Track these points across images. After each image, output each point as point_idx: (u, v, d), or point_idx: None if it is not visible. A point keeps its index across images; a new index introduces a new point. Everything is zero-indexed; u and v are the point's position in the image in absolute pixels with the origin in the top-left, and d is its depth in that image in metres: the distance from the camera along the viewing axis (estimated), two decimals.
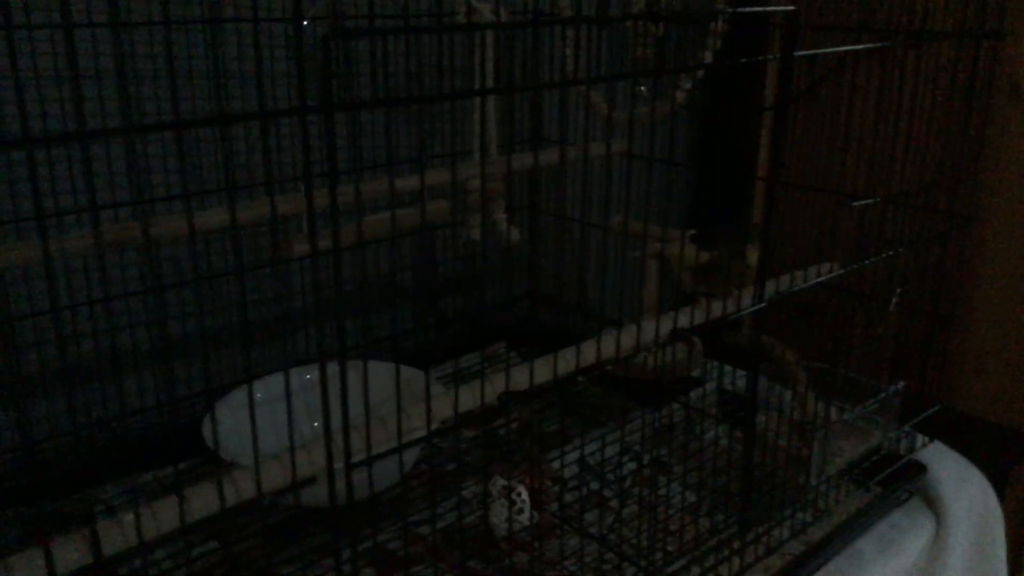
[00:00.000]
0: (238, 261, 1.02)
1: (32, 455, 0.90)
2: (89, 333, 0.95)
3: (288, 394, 0.56)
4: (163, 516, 0.51)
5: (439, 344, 1.30)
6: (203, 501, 0.53)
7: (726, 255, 0.86)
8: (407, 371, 0.92)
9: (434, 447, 1.02)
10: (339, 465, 0.57)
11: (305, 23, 0.91)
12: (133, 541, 0.50)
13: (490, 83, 1.01)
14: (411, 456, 0.87)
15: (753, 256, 0.83)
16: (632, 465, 1.00)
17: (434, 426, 0.63)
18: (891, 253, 0.92)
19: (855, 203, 0.85)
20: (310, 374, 0.97)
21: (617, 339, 0.73)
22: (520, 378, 0.66)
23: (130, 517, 0.50)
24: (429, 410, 0.61)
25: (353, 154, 1.06)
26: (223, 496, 0.53)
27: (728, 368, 1.18)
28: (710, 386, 1.17)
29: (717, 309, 0.79)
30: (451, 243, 1.30)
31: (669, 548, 0.85)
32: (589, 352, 0.71)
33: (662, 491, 0.95)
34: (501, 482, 0.78)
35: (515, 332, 1.31)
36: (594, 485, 0.97)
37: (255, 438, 0.54)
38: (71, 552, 0.48)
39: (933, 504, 1.03)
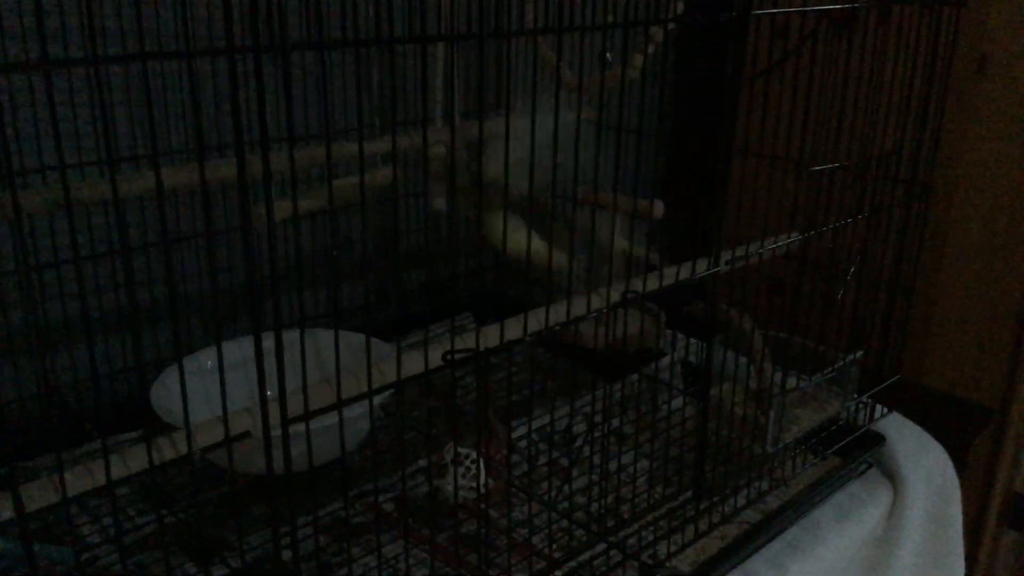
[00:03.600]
0: (205, 225, 1.00)
1: None
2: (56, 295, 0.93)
3: (221, 364, 0.55)
4: (95, 473, 0.50)
5: (406, 316, 1.29)
6: (136, 459, 0.52)
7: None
8: (353, 337, 0.91)
9: (388, 416, 1.01)
10: (277, 431, 0.56)
11: None
12: (56, 498, 0.48)
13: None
14: (363, 426, 0.86)
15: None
16: (587, 434, 1.00)
17: (379, 389, 0.62)
18: (848, 221, 0.91)
19: (813, 169, 0.84)
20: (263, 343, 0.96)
21: (568, 304, 0.73)
22: (468, 341, 0.65)
23: (56, 476, 0.49)
24: (371, 372, 0.60)
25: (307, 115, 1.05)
26: (154, 453, 0.52)
27: (692, 340, 1.17)
28: (671, 357, 1.17)
29: (671, 275, 0.79)
30: (417, 213, 1.28)
31: (623, 516, 0.85)
32: (538, 317, 0.70)
33: (616, 460, 0.94)
34: (458, 449, 0.78)
35: (482, 304, 1.30)
36: (549, 455, 0.96)
37: (185, 397, 0.53)
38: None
39: (891, 475, 1.03)
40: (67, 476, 0.50)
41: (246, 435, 0.54)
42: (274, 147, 0.54)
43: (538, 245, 0.85)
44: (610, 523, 0.84)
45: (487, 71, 1.29)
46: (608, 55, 1.09)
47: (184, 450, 0.53)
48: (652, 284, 0.77)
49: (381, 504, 0.87)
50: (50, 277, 0.92)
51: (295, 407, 0.57)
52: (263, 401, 0.56)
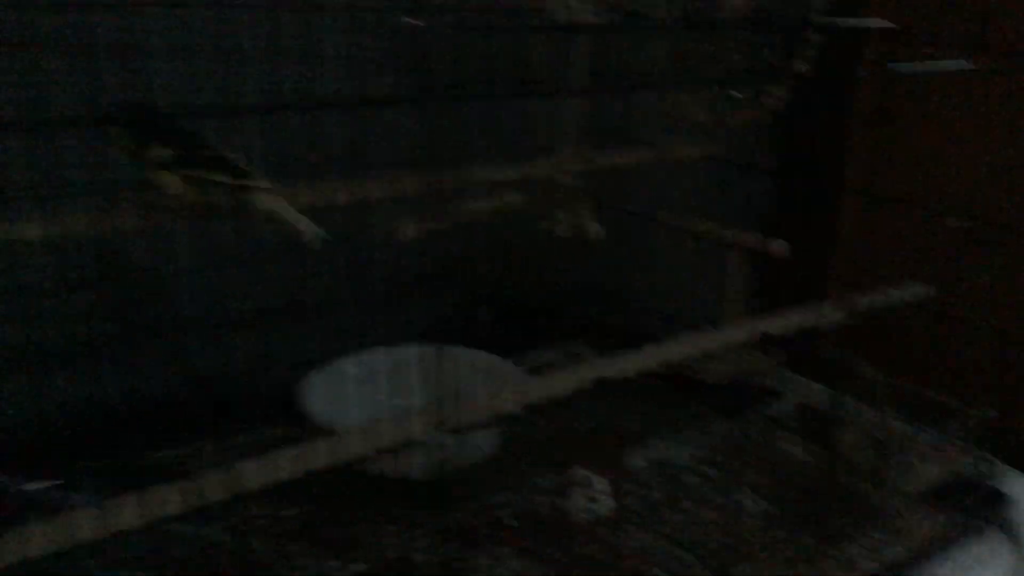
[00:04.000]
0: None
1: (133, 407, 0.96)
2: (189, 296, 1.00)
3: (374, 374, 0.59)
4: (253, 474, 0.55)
5: (516, 337, 1.32)
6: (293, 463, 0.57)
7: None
8: (492, 359, 0.95)
9: (515, 433, 1.04)
10: (429, 437, 0.60)
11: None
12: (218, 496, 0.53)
13: (582, 82, 1.04)
14: (489, 441, 0.90)
15: None
16: (709, 470, 1.01)
17: (517, 408, 0.65)
18: (985, 279, 0.90)
19: (951, 220, 0.84)
20: (394, 356, 1.01)
21: (697, 341, 0.75)
22: (609, 370, 0.68)
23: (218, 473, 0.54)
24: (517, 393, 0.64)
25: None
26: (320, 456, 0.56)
27: (813, 384, 1.17)
28: (788, 397, 1.17)
29: (798, 318, 0.80)
30: (533, 236, 1.32)
31: (740, 553, 0.86)
32: (672, 351, 0.73)
33: (733, 497, 0.95)
34: (581, 472, 0.80)
35: (589, 330, 1.33)
36: (667, 486, 0.98)
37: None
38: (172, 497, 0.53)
39: (1014, 536, 1.00)
40: (248, 466, 0.55)
41: (409, 442, 0.58)
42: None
43: None
44: (725, 560, 0.85)
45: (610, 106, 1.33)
46: (734, 92, 1.12)
47: (351, 452, 0.57)
48: (778, 325, 0.79)
49: (502, 518, 0.90)
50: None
51: (447, 418, 0.61)
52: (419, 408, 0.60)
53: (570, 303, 1.40)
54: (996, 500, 1.00)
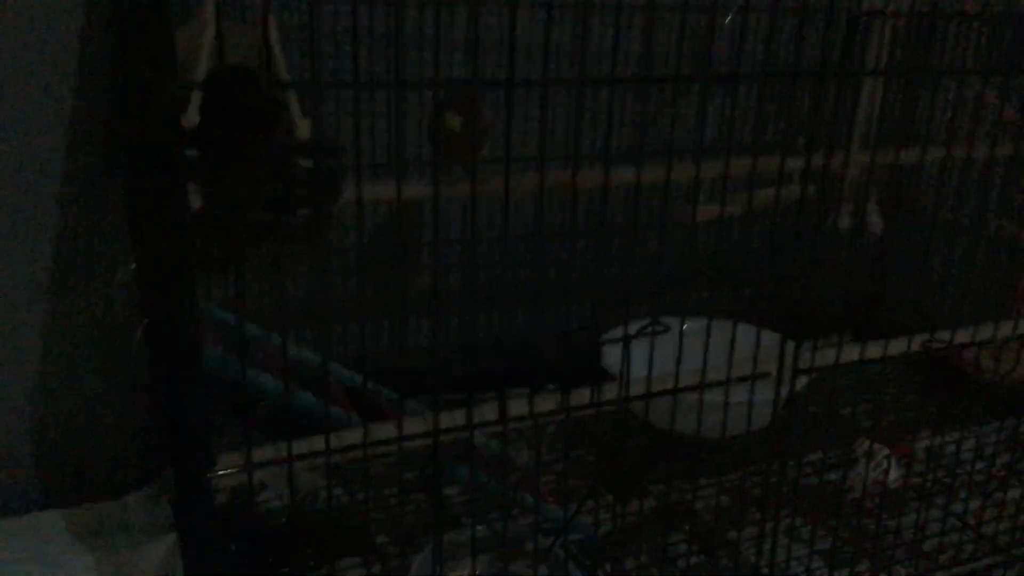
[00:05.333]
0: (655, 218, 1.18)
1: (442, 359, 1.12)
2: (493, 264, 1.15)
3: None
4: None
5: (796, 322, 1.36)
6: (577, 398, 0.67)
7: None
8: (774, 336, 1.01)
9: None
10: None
11: None
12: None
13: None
14: (769, 411, 0.96)
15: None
16: (983, 463, 1.01)
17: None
18: None
19: None
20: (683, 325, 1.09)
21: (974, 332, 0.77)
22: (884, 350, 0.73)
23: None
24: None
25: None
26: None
27: None
28: None
29: None
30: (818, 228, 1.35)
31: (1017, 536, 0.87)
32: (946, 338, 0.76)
33: (1012, 491, 0.95)
34: (867, 443, 0.85)
35: (855, 324, 1.35)
36: (934, 473, 1.00)
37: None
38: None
39: None
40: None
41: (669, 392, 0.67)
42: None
43: None
44: (1003, 542, 0.86)
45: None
46: None
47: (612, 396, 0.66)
48: None
49: (780, 485, 0.96)
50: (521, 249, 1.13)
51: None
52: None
53: (843, 297, 1.42)
54: None
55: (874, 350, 0.75)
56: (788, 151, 0.81)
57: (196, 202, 0.57)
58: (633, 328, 1.07)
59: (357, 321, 1.09)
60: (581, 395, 0.66)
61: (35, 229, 0.95)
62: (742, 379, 0.69)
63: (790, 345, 0.98)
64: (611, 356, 0.99)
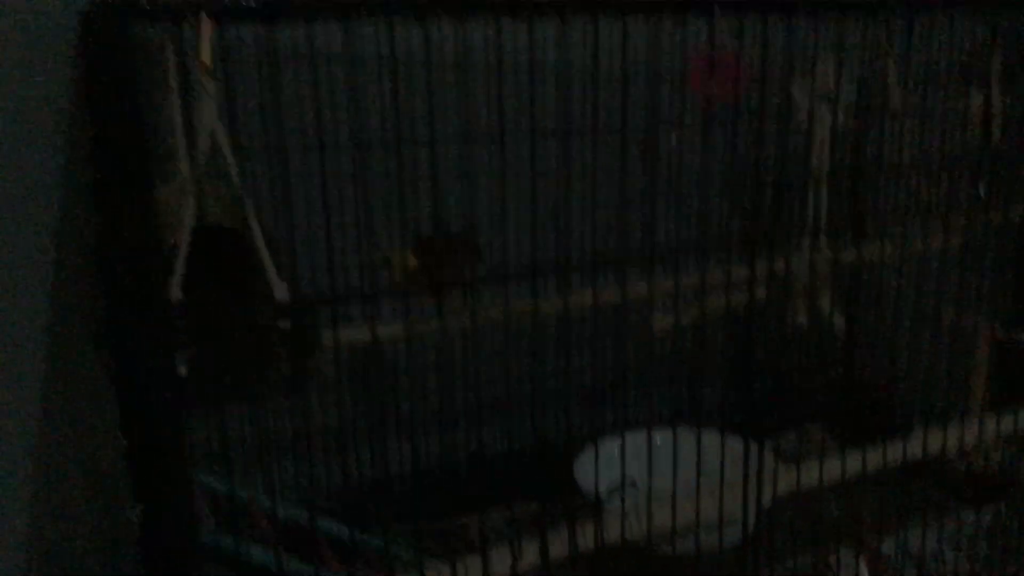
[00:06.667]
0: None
1: (421, 481, 1.14)
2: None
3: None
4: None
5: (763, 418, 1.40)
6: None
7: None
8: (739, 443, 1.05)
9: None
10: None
11: None
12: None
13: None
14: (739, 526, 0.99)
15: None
16: (958, 557, 1.03)
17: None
18: None
19: None
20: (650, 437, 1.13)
21: (962, 433, 0.81)
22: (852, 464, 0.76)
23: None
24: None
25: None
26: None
27: None
28: None
29: None
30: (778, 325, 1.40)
31: None
32: (927, 444, 0.80)
33: None
34: (842, 554, 0.87)
35: (827, 415, 1.39)
36: (918, 572, 1.02)
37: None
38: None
39: None
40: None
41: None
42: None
43: None
44: None
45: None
46: (980, 189, 1.16)
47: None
48: None
49: None
50: None
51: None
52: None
53: (809, 388, 1.46)
54: None
55: (853, 462, 0.78)
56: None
57: (183, 370, 0.60)
58: (603, 445, 1.10)
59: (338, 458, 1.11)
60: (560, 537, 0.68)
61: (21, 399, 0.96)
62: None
63: (765, 458, 1.00)
64: (583, 473, 1.01)
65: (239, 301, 0.66)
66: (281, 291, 0.68)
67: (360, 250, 1.06)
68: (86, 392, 1.01)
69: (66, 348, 0.99)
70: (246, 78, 0.79)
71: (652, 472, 1.09)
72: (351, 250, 1.07)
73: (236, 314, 0.64)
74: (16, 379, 0.97)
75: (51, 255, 0.98)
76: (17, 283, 0.96)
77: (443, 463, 1.17)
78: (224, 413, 0.63)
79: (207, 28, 0.57)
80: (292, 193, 0.97)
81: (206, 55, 0.60)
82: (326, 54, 0.74)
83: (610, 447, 1.07)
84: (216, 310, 0.63)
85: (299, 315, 0.67)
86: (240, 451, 0.82)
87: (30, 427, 0.98)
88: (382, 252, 0.92)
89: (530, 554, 0.69)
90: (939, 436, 0.79)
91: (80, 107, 0.99)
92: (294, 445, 1.11)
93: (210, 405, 0.64)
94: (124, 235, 0.63)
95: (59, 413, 1.01)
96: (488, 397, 1.19)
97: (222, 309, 0.62)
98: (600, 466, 1.03)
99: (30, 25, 0.94)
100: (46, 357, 0.99)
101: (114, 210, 0.65)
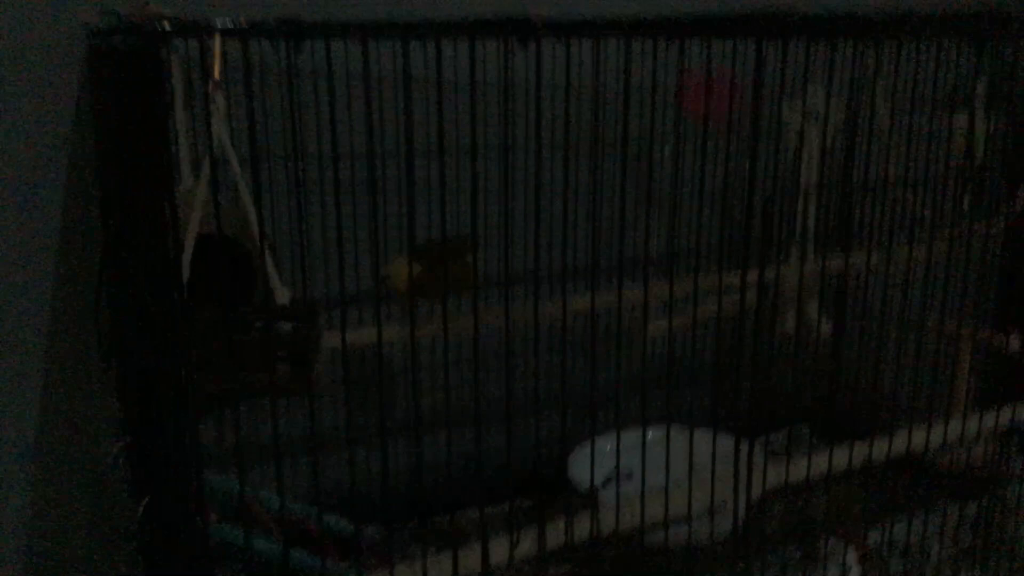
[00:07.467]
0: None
1: (422, 481, 1.17)
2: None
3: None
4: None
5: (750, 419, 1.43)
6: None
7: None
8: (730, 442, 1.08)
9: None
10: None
11: None
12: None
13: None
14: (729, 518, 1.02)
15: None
16: (943, 550, 1.07)
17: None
18: None
19: None
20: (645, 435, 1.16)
21: (944, 429, 0.84)
22: (839, 460, 0.80)
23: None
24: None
25: None
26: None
27: None
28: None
29: None
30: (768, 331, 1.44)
31: None
32: (910, 441, 0.83)
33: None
34: (833, 543, 0.91)
35: (814, 416, 1.43)
36: (904, 562, 1.05)
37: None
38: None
39: None
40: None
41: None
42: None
43: None
44: None
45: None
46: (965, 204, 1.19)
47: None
48: (1009, 416, 0.87)
49: None
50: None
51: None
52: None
53: (797, 390, 1.49)
54: None
55: (840, 457, 0.82)
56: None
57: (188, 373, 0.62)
58: (599, 443, 1.13)
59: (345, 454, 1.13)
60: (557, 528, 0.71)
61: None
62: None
63: (756, 456, 1.04)
64: (577, 468, 1.05)
65: (239, 306, 0.69)
66: (283, 296, 0.71)
67: (357, 253, 1.09)
68: (86, 392, 1.03)
69: (66, 350, 1.01)
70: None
71: (645, 467, 1.13)
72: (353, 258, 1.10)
73: (236, 318, 0.66)
74: (17, 380, 1.00)
75: (52, 263, 1.00)
76: (18, 287, 0.99)
77: (443, 463, 1.20)
78: (227, 415, 0.65)
79: (219, 46, 0.60)
80: (305, 201, 1.00)
81: (218, 71, 0.63)
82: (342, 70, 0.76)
83: (603, 443, 1.11)
84: (216, 314, 0.64)
85: (300, 318, 0.69)
86: (240, 452, 0.85)
87: (30, 428, 1.01)
88: (380, 271, 0.96)
89: (526, 544, 0.72)
90: (923, 433, 0.83)
91: (84, 122, 1.00)
92: (295, 447, 1.14)
93: (214, 407, 0.67)
94: (140, 244, 0.65)
95: (59, 413, 1.04)
96: (485, 399, 1.22)
97: (222, 313, 0.64)
98: (594, 460, 1.07)
99: (36, 42, 0.96)
100: (46, 359, 1.01)
101: (129, 221, 0.67)
